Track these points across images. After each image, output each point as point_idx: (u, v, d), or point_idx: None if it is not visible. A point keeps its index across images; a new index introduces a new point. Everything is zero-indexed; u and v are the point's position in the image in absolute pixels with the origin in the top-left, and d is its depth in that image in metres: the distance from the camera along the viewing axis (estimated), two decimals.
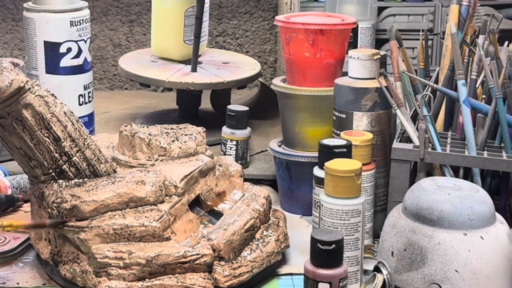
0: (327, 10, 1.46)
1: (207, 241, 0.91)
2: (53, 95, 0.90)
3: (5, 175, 1.17)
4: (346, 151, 0.95)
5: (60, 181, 0.92)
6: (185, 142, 0.98)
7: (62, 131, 0.90)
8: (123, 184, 0.90)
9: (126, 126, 1.01)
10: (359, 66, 1.05)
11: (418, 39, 1.14)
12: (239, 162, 1.22)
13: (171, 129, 1.02)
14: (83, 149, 0.91)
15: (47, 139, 0.89)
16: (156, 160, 0.97)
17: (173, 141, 0.98)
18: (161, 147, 0.97)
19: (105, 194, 0.89)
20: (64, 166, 0.91)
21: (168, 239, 0.90)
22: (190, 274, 0.88)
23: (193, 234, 0.92)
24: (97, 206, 0.89)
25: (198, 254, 0.88)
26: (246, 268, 0.92)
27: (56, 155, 0.90)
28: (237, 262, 0.91)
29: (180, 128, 1.02)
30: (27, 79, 0.86)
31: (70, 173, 0.92)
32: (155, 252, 0.87)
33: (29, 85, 0.87)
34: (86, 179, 0.92)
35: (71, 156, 0.91)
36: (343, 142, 0.96)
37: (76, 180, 0.92)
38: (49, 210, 0.90)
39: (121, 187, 0.90)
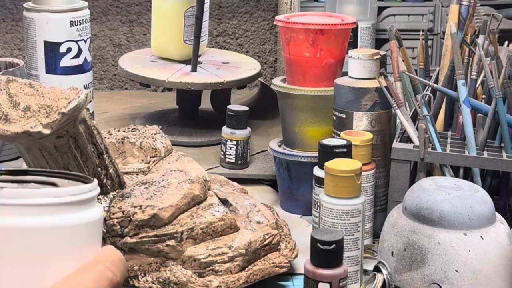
0: (327, 10, 1.46)
1: (256, 224, 0.92)
2: None
3: None
4: (346, 151, 0.95)
5: (100, 197, 0.88)
6: (162, 140, 0.99)
7: (101, 143, 0.86)
8: (178, 186, 0.89)
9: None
10: (359, 66, 1.05)
11: (418, 39, 1.14)
12: (239, 162, 1.22)
13: (132, 131, 1.01)
14: (113, 160, 0.88)
15: (93, 154, 0.86)
16: (149, 162, 0.97)
17: (154, 141, 0.98)
18: (153, 148, 0.97)
19: (175, 198, 0.88)
20: (104, 180, 0.88)
21: (238, 228, 0.91)
22: (270, 255, 0.91)
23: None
24: (174, 211, 0.87)
25: (272, 235, 0.90)
26: (292, 241, 0.95)
27: (99, 169, 0.87)
28: (285, 237, 0.94)
29: (133, 130, 1.02)
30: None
31: (108, 187, 0.89)
32: (247, 240, 0.88)
33: None
34: (121, 191, 0.89)
35: (108, 168, 0.88)
36: (343, 142, 0.96)
37: (112, 193, 0.88)
38: (106, 227, 0.86)
39: (181, 189, 0.89)
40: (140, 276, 0.87)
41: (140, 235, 0.86)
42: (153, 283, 0.86)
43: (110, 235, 0.87)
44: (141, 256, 0.87)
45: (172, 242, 0.86)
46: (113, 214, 0.86)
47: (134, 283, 0.87)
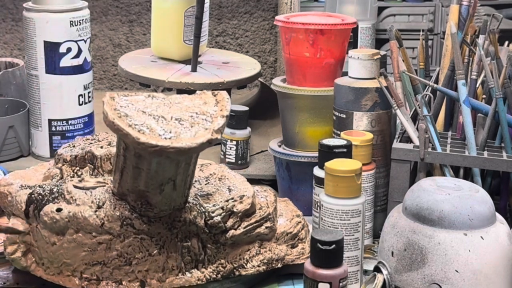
0: (327, 10, 1.46)
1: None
2: None
3: (5, 175, 1.17)
4: (346, 151, 0.95)
5: (190, 201, 0.88)
6: None
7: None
8: (235, 176, 0.95)
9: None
10: (359, 66, 1.05)
11: (418, 39, 1.14)
12: (239, 162, 1.22)
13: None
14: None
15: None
16: None
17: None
18: None
19: (248, 185, 0.93)
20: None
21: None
22: None
23: None
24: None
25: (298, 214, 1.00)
26: None
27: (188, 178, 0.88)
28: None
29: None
30: None
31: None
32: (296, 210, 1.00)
33: None
34: (193, 193, 0.90)
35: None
36: (343, 142, 0.96)
37: (191, 200, 0.89)
38: (206, 228, 0.87)
39: (240, 177, 0.96)
40: (244, 264, 0.91)
41: (243, 225, 0.90)
42: (259, 266, 0.91)
43: (212, 234, 0.88)
44: (239, 246, 0.90)
45: (268, 224, 0.91)
46: (213, 212, 0.88)
47: (241, 272, 0.90)
